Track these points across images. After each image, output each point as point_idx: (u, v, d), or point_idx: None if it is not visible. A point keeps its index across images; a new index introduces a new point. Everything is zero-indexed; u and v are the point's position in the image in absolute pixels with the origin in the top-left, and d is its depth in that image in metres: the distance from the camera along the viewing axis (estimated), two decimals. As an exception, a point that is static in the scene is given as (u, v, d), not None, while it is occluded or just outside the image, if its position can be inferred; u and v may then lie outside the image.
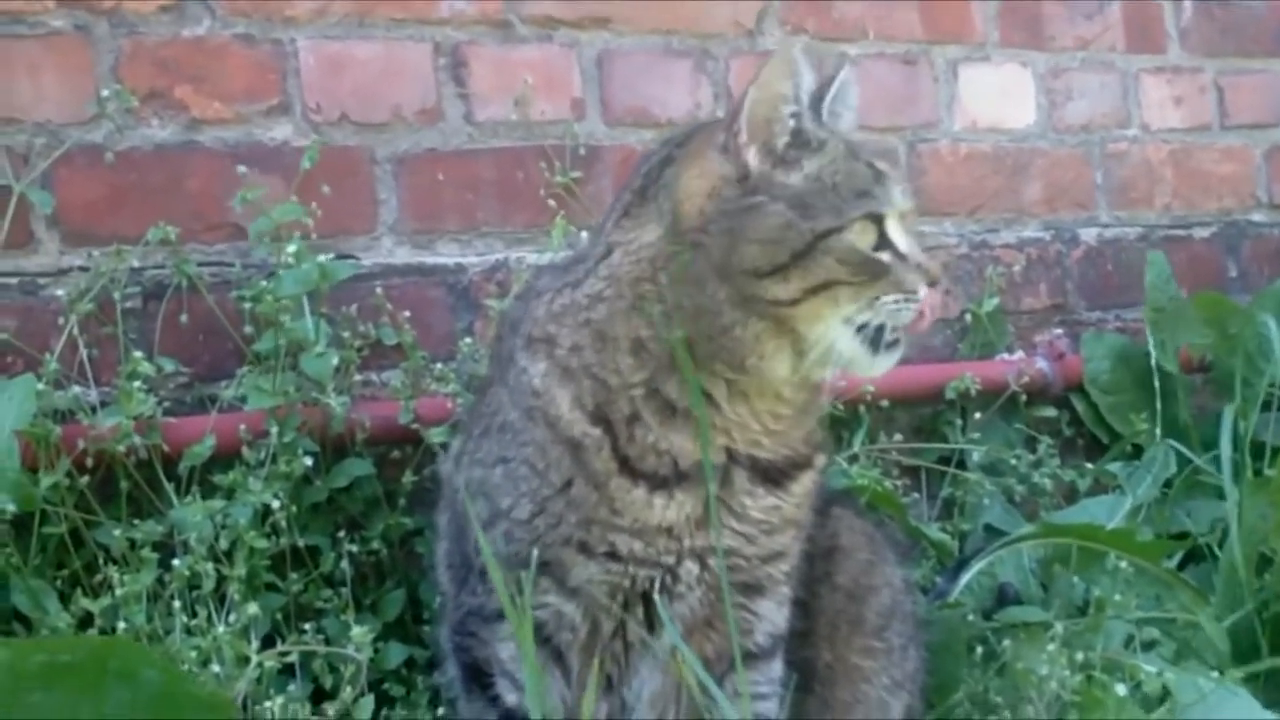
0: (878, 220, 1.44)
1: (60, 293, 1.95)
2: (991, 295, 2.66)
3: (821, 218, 1.41)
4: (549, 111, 2.34)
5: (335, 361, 1.97)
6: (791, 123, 1.45)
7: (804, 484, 1.55)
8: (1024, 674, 1.83)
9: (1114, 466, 2.56)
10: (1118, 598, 1.98)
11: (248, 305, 2.00)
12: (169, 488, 1.87)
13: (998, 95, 2.78)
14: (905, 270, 1.43)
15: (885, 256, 1.43)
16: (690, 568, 1.50)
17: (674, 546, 1.48)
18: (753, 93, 1.44)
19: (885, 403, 2.42)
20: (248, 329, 2.01)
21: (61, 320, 1.93)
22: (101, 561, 1.81)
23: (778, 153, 1.44)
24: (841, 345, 1.43)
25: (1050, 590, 2.24)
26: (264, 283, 1.99)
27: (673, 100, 2.44)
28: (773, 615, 1.57)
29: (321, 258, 2.01)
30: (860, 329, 1.43)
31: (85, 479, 1.83)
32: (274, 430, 1.91)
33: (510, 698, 1.56)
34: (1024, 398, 2.56)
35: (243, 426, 1.92)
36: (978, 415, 2.50)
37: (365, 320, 2.11)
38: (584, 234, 2.26)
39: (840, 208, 1.42)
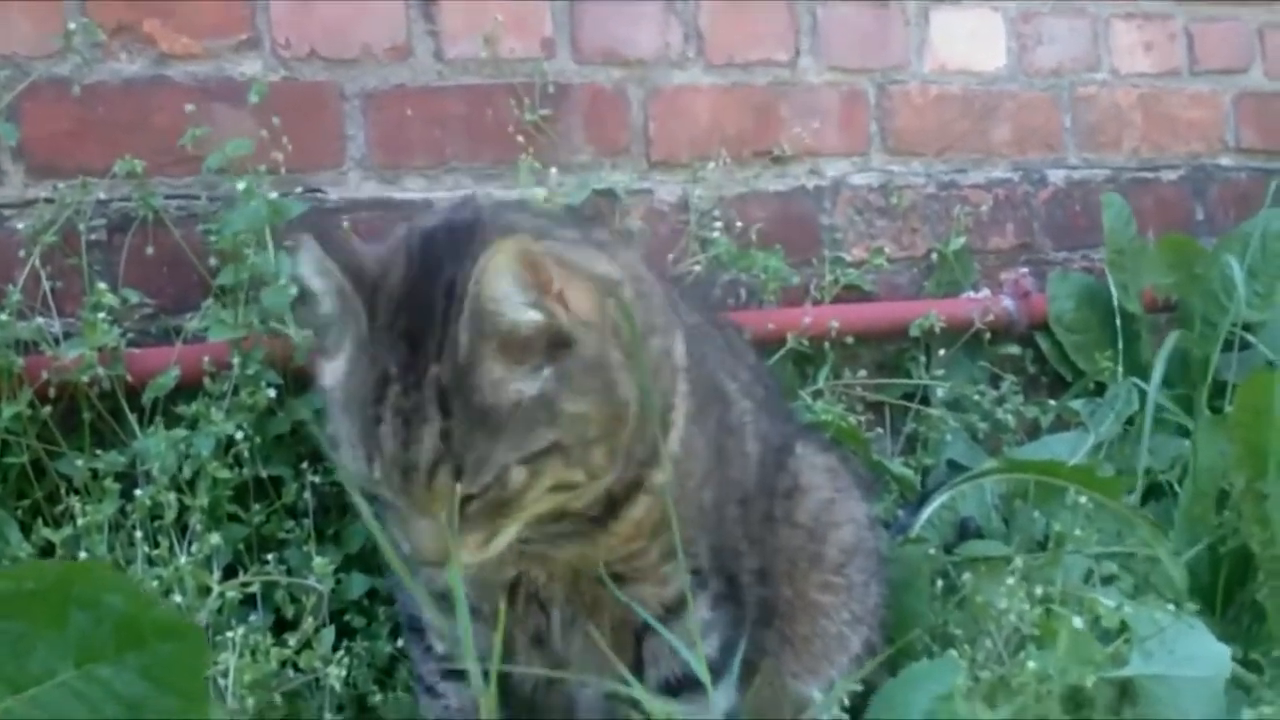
0: None
1: (24, 224, 1.89)
2: (958, 234, 2.60)
3: None
4: (519, 49, 2.27)
5: (296, 293, 1.92)
6: None
7: (637, 509, 1.36)
8: (983, 607, 1.79)
9: (1077, 404, 2.52)
10: (1078, 533, 1.94)
11: (212, 239, 1.95)
12: (132, 419, 1.82)
13: (968, 39, 2.71)
14: None
15: None
16: None
17: None
18: None
19: (850, 339, 2.37)
20: (212, 262, 1.96)
21: (24, 252, 1.87)
22: (63, 492, 1.76)
23: None
24: None
25: (1011, 525, 2.21)
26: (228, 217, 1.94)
27: (642, 40, 2.38)
28: (668, 585, 1.43)
29: (281, 193, 1.96)
30: None
31: (47, 409, 1.78)
32: (237, 362, 1.85)
33: (439, 646, 1.52)
34: (989, 335, 2.51)
35: (206, 358, 1.86)
36: (942, 352, 2.46)
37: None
38: (552, 170, 2.22)
39: None
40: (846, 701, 1.54)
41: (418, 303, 1.20)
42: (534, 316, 1.19)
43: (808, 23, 2.53)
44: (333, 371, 1.24)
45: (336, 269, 1.21)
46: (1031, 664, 1.58)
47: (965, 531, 2.14)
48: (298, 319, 1.86)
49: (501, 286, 1.17)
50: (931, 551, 1.99)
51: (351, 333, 1.23)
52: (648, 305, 1.36)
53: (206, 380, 1.85)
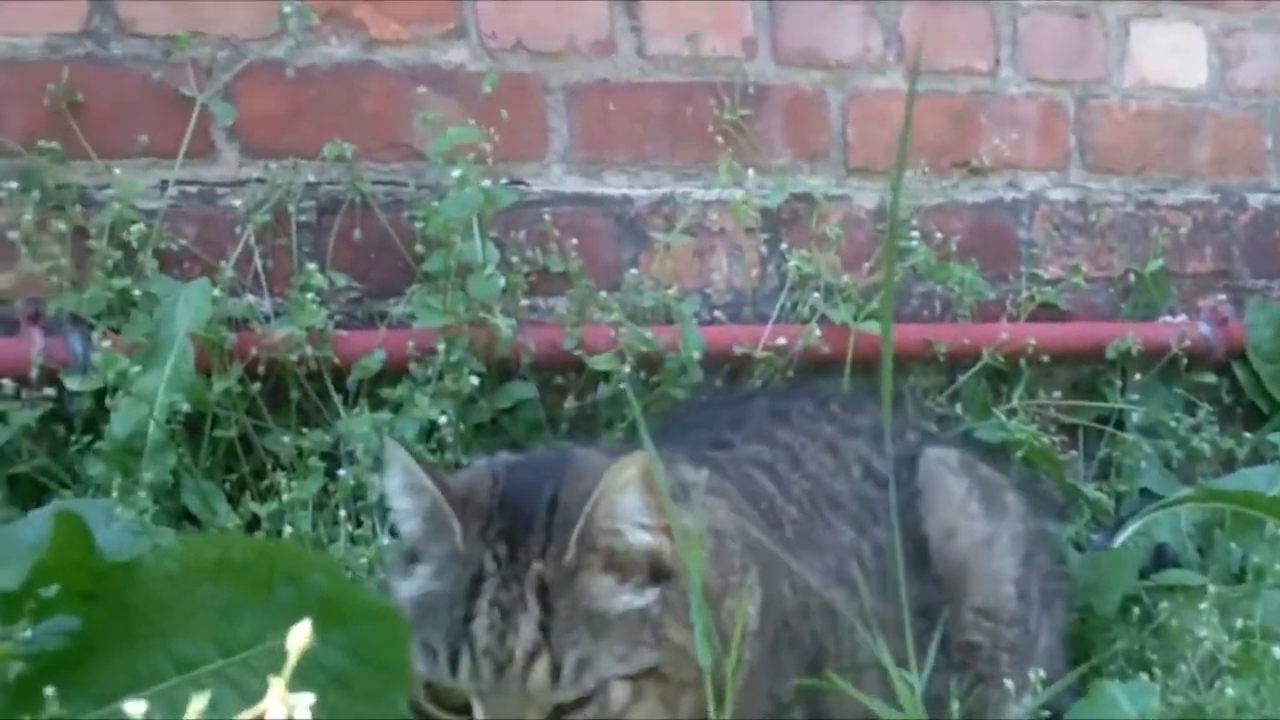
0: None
1: (237, 203, 1.89)
2: (1156, 256, 2.50)
3: None
4: (720, 48, 2.22)
5: (502, 284, 1.89)
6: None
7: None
8: (1180, 633, 1.71)
9: (1274, 436, 2.41)
10: (1277, 567, 1.84)
11: (419, 225, 1.92)
12: (337, 399, 1.80)
13: (1169, 54, 2.60)
14: None
15: None
16: None
17: None
18: None
19: (1045, 358, 2.28)
20: (418, 249, 1.94)
21: (238, 230, 1.87)
22: (270, 468, 1.75)
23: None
24: None
25: (1207, 555, 2.11)
26: (435, 204, 1.91)
27: (843, 43, 2.31)
28: None
29: (491, 182, 1.93)
30: None
31: (256, 386, 1.77)
32: (442, 348, 1.83)
33: None
34: (1185, 362, 2.41)
35: (411, 343, 1.84)
36: (1138, 377, 2.36)
37: (533, 246, 2.02)
38: (750, 172, 2.17)
39: None
40: None
41: (516, 513, 1.16)
42: (646, 539, 1.15)
43: (1008, 32, 2.45)
44: (409, 587, 1.19)
45: (430, 483, 1.16)
46: (1230, 691, 1.50)
47: (1161, 559, 2.06)
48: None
49: (624, 503, 1.14)
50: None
51: (440, 547, 1.17)
52: (723, 563, 1.26)
53: (412, 365, 1.83)
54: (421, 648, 1.13)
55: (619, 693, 1.12)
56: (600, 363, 1.91)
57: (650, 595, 1.15)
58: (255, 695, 1.26)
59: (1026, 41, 2.46)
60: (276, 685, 0.73)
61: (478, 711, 1.12)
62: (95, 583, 1.21)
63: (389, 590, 1.21)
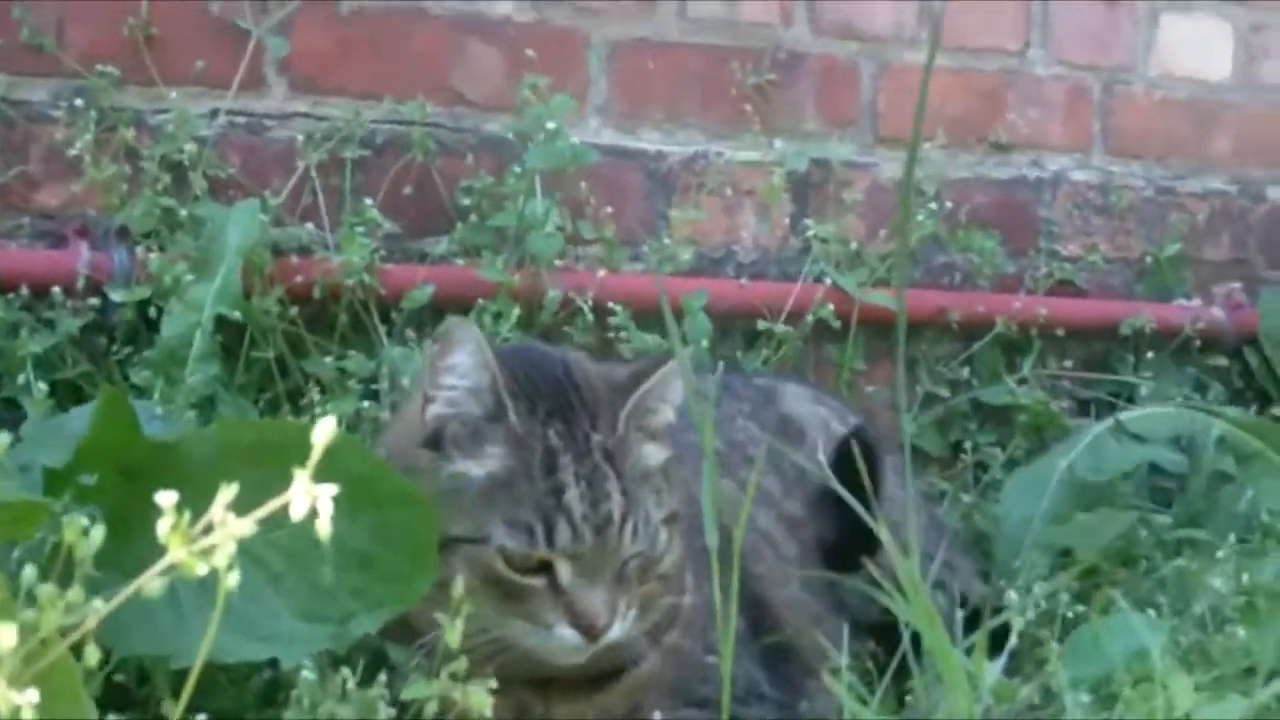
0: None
1: (284, 135, 1.93)
2: (1173, 241, 2.52)
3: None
4: (758, 15, 2.25)
5: (560, 244, 1.95)
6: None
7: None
8: (1192, 576, 1.74)
9: (1286, 419, 2.42)
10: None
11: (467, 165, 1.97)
12: (381, 330, 1.84)
13: (1195, 45, 2.63)
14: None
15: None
16: None
17: None
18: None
19: (1060, 332, 2.31)
20: (463, 201, 1.98)
21: (284, 161, 1.91)
22: (307, 386, 1.78)
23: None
24: None
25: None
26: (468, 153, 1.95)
27: (878, 16, 2.34)
28: None
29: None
30: None
31: (295, 310, 1.81)
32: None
33: None
34: (1198, 344, 2.43)
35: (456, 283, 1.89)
36: (1150, 355, 2.38)
37: (567, 198, 2.05)
38: (777, 142, 2.20)
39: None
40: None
41: (552, 394, 1.26)
42: (670, 414, 1.30)
43: (1039, 14, 2.47)
44: (479, 466, 1.23)
45: (495, 363, 1.23)
46: (1241, 631, 1.52)
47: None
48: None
49: (672, 388, 1.28)
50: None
51: (499, 427, 1.23)
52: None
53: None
54: (507, 524, 1.19)
55: (663, 534, 1.25)
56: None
57: (668, 450, 1.29)
58: (283, 574, 1.30)
59: (1057, 24, 2.49)
60: (301, 475, 0.76)
61: (563, 573, 1.20)
62: (137, 462, 1.24)
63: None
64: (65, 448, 1.30)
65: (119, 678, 1.24)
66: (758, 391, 1.78)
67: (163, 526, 0.83)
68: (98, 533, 0.90)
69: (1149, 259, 2.53)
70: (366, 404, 1.74)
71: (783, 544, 1.59)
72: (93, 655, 0.86)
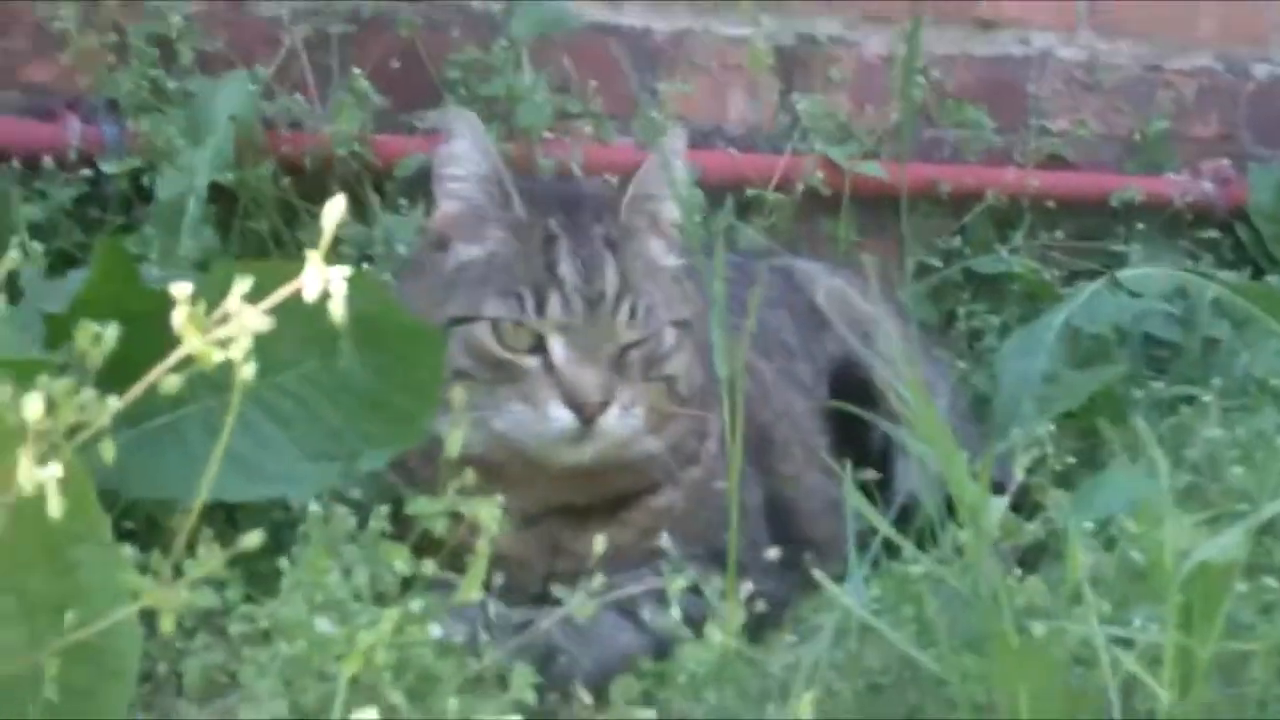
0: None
1: (268, 11, 1.92)
2: (1161, 118, 2.51)
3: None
4: (744, -112, 2.23)
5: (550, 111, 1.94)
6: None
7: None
8: (1191, 422, 1.72)
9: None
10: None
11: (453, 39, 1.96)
12: (374, 200, 1.84)
13: (1176, -79, 2.61)
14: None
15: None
16: None
17: None
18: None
19: (1050, 204, 2.31)
20: (451, 74, 1.97)
21: (270, 37, 1.89)
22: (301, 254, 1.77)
23: None
24: None
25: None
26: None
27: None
28: None
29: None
30: None
31: (288, 180, 1.80)
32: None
33: None
34: (1188, 218, 2.43)
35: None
36: (1140, 227, 2.38)
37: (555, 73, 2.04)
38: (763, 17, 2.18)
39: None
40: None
41: (562, 193, 1.34)
42: (674, 210, 1.31)
43: (1024, -113, 2.45)
44: (475, 249, 1.27)
45: (495, 151, 1.28)
46: (1238, 470, 1.52)
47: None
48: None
49: (658, 178, 1.29)
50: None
51: (502, 212, 1.28)
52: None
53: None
54: (499, 294, 1.23)
55: (669, 336, 1.27)
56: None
57: (679, 260, 1.31)
58: (291, 416, 1.29)
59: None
60: (314, 257, 0.75)
61: (557, 348, 1.21)
62: (137, 309, 1.23)
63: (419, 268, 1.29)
64: (67, 296, 1.30)
65: (129, 524, 1.23)
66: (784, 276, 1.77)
67: (178, 317, 0.83)
68: (111, 332, 0.89)
69: (1138, 135, 2.52)
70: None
71: (812, 434, 1.57)
72: (108, 451, 0.85)
